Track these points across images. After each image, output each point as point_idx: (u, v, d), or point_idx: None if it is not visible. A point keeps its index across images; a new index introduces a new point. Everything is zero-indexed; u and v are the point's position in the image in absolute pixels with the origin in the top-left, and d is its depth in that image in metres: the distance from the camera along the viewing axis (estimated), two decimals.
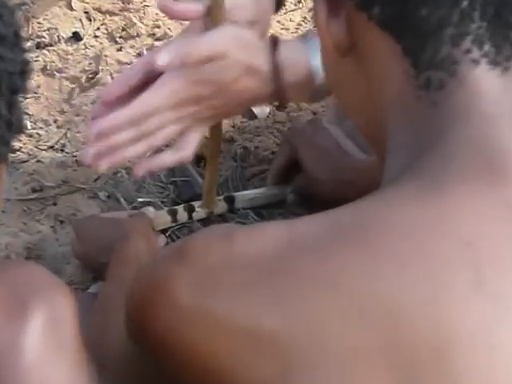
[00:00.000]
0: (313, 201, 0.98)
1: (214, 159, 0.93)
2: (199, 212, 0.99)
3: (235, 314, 0.46)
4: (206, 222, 0.99)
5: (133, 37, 1.21)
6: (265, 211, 1.02)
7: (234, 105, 0.81)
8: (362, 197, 0.51)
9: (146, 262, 0.56)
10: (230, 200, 1.01)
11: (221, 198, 1.01)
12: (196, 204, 0.99)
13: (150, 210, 0.99)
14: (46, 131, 1.11)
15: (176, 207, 1.00)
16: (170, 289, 0.48)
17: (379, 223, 0.46)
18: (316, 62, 0.78)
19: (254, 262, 0.46)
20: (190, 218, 0.99)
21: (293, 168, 1.01)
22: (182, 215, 0.99)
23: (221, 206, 1.00)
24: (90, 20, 1.21)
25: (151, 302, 0.49)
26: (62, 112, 1.13)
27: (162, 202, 1.02)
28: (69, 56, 1.19)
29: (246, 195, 1.02)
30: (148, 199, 1.02)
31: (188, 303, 0.47)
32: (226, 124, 1.05)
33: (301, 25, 1.21)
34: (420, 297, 0.44)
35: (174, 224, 0.99)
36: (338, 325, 0.44)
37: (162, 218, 0.98)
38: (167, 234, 0.98)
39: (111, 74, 1.16)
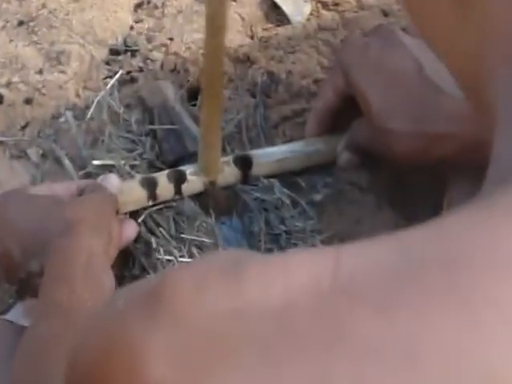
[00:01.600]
0: (379, 163, 0.83)
1: (213, 89, 0.75)
2: (192, 182, 0.83)
3: None
4: (203, 199, 0.82)
5: None
6: (302, 180, 0.85)
7: None
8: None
9: (98, 311, 0.44)
10: (245, 162, 0.84)
11: (229, 158, 0.84)
12: (188, 169, 0.83)
13: (113, 179, 0.82)
14: None
15: (155, 175, 0.84)
16: (138, 362, 0.37)
17: (481, 260, 0.37)
18: None
19: (274, 320, 0.37)
20: (178, 192, 0.82)
21: (348, 109, 0.85)
22: (165, 188, 0.82)
23: (229, 173, 0.84)
24: None
25: (107, 380, 0.38)
26: None
27: (133, 167, 0.86)
28: None
29: (270, 154, 0.85)
30: (109, 161, 0.86)
31: None
32: (239, 32, 0.93)
33: None
34: None
35: (151, 203, 0.81)
36: None
37: (133, 192, 0.82)
38: (140, 220, 0.81)
39: None
